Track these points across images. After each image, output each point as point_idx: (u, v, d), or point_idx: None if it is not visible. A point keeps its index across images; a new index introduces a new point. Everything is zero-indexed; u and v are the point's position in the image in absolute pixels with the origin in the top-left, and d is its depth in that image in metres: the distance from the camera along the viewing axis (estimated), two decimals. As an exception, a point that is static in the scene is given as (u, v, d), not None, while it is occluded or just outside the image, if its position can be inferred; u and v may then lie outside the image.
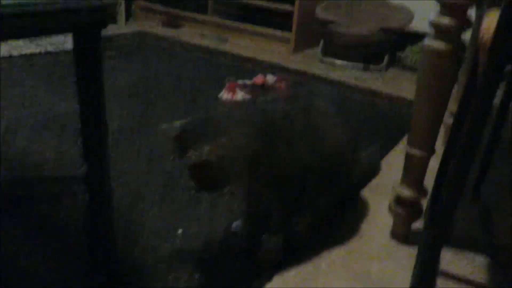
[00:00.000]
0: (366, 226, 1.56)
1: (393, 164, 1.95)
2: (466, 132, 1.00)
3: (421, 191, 1.43)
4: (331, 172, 1.37)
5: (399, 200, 1.46)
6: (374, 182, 1.83)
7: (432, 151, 1.39)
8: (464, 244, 1.52)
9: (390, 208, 1.50)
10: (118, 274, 1.24)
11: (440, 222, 1.08)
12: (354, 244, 1.46)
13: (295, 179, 1.27)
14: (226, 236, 1.42)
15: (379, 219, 1.59)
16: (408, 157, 1.41)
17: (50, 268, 1.24)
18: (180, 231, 1.42)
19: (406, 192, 1.43)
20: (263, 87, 2.54)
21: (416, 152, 1.38)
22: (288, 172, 1.24)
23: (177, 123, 1.15)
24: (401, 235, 1.50)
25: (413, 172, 1.42)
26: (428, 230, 1.13)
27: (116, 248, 1.26)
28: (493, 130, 1.71)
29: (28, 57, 2.86)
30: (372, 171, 1.89)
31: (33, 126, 1.98)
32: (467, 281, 1.37)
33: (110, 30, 3.55)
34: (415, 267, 1.14)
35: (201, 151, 1.08)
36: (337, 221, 1.55)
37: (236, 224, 1.44)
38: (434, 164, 1.39)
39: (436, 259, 1.11)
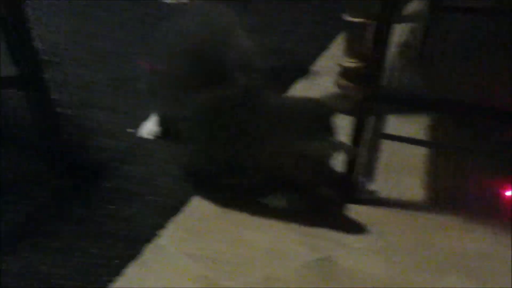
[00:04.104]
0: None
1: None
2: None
3: (364, 61, 1.45)
4: None
5: (344, 73, 1.49)
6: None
7: (371, 18, 1.39)
8: (413, 106, 1.57)
9: (337, 83, 1.53)
10: (74, 172, 1.28)
11: (368, 82, 1.13)
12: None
13: None
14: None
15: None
16: (349, 27, 1.41)
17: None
18: (130, 130, 1.43)
19: (350, 63, 1.45)
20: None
21: (356, 20, 1.38)
22: None
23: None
24: (349, 108, 1.54)
25: (354, 41, 1.43)
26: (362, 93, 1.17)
27: (69, 147, 1.29)
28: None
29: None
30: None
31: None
32: (409, 140, 1.44)
33: None
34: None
35: None
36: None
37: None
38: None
39: (364, 115, 1.16)
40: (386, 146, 1.43)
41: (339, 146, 1.12)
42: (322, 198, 1.21)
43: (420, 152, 1.40)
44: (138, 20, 2.13)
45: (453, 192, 1.25)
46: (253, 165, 1.15)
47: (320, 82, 1.69)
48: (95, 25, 2.08)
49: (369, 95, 1.14)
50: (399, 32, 1.98)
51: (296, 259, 1.06)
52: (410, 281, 1.02)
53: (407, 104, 1.56)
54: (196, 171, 1.26)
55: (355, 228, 1.14)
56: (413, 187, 1.27)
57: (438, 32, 1.93)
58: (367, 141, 1.44)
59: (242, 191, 1.20)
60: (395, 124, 1.53)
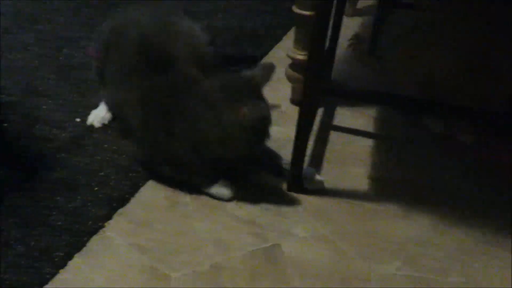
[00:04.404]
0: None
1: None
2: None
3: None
4: None
5: (294, 65, 1.51)
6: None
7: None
8: (361, 100, 1.62)
9: (287, 75, 1.55)
10: (17, 163, 1.24)
11: (310, 73, 1.15)
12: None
13: None
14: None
15: (280, 89, 1.64)
16: (298, 19, 1.43)
17: None
18: (78, 119, 1.40)
19: (299, 55, 1.47)
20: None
21: (304, 12, 1.40)
22: None
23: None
24: (299, 99, 1.57)
25: (302, 34, 1.45)
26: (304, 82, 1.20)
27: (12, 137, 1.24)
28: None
29: None
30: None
31: None
32: (356, 132, 1.49)
33: None
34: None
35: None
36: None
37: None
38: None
39: (311, 105, 1.19)
40: (335, 137, 1.46)
41: (265, 109, 1.14)
42: (268, 187, 1.24)
43: (367, 144, 1.45)
44: (87, 3, 2.07)
45: (396, 182, 1.30)
46: (193, 152, 1.15)
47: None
48: (40, 8, 2.00)
49: (312, 87, 1.17)
50: (351, 26, 2.03)
51: (243, 248, 1.08)
52: (353, 268, 1.06)
53: (354, 97, 1.61)
54: (144, 161, 1.25)
55: (301, 217, 1.17)
56: (359, 177, 1.31)
57: (389, 26, 1.98)
58: (315, 132, 1.47)
59: (187, 182, 1.20)
60: (344, 116, 1.57)
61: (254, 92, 1.14)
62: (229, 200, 1.18)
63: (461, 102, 1.48)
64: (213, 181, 1.19)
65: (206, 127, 1.12)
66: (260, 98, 1.15)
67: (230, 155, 1.16)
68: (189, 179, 1.20)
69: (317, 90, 1.39)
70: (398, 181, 1.31)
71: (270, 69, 1.19)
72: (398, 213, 1.20)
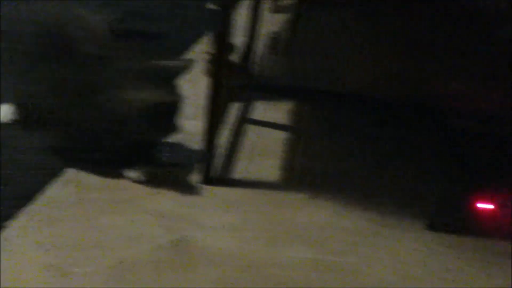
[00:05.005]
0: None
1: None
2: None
3: (229, 47, 1.51)
4: None
5: (211, 60, 1.53)
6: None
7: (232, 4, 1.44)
8: (277, 94, 1.67)
9: (205, 71, 1.57)
10: None
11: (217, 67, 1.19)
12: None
13: None
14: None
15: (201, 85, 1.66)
16: (210, 13, 1.45)
17: None
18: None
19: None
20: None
21: (213, 7, 1.42)
22: None
23: None
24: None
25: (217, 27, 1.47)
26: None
27: None
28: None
29: None
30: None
31: None
32: (271, 125, 1.54)
33: None
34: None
35: None
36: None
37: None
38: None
39: (218, 98, 1.22)
40: (250, 130, 1.50)
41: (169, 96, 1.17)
42: (179, 179, 1.25)
43: (281, 136, 1.50)
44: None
45: (304, 172, 1.36)
46: (106, 132, 1.16)
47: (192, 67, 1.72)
48: None
49: (219, 81, 1.20)
50: (271, 22, 2.07)
51: (151, 241, 1.08)
52: (259, 255, 1.09)
53: (271, 92, 1.66)
54: (58, 149, 1.24)
55: (211, 208, 1.20)
56: (269, 168, 1.35)
57: (307, 24, 2.05)
58: (231, 125, 1.51)
59: (103, 163, 1.20)
60: (261, 109, 1.62)
61: (165, 80, 1.17)
62: (140, 182, 1.19)
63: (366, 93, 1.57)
64: (126, 165, 1.19)
65: (114, 107, 1.14)
66: (171, 87, 1.18)
67: (135, 136, 1.18)
68: (101, 161, 1.20)
69: (230, 85, 1.42)
70: (306, 171, 1.37)
71: (188, 63, 1.22)
72: (304, 201, 1.25)
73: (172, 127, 1.19)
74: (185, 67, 1.22)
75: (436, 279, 1.08)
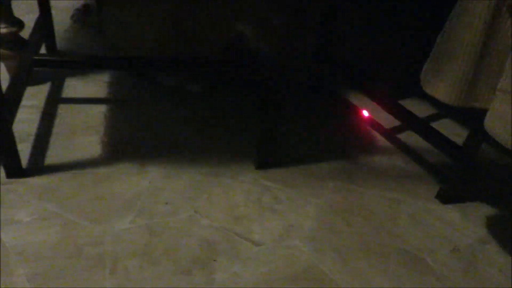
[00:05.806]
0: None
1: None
2: None
3: (14, 25, 1.35)
4: None
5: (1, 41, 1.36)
6: None
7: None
8: (90, 67, 1.55)
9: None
10: None
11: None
12: None
13: None
14: None
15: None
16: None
17: None
18: None
19: (3, 29, 1.33)
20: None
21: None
22: None
23: None
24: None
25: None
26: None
27: None
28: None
29: None
30: None
31: None
32: (87, 100, 1.43)
33: None
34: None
35: None
36: None
37: None
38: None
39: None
40: (64, 110, 1.38)
41: None
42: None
43: (100, 110, 1.40)
44: None
45: (129, 142, 1.29)
46: None
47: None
48: None
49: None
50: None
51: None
52: (85, 235, 1.01)
53: (82, 66, 1.53)
54: None
55: (24, 201, 1.08)
56: (90, 145, 1.26)
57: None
58: (42, 108, 1.37)
59: None
60: (75, 87, 1.49)
61: None
62: None
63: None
64: None
65: None
66: None
67: None
68: None
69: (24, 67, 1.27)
70: (131, 141, 1.30)
71: None
72: (131, 171, 1.19)
73: None
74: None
75: (269, 212, 1.13)
